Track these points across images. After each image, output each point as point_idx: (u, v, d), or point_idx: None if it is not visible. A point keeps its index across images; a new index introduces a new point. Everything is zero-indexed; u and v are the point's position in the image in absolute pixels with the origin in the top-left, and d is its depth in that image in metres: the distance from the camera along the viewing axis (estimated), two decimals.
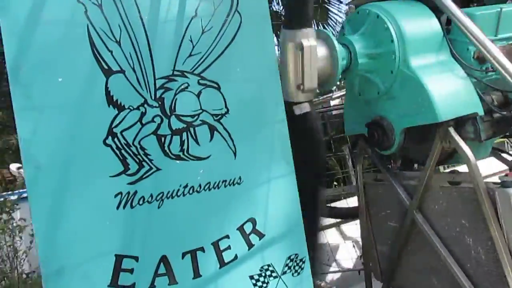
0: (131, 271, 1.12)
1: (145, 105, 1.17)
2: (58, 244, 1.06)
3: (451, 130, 1.59)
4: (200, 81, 1.24)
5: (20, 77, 1.04)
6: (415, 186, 1.79)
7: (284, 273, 1.32)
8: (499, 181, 1.52)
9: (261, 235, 1.29)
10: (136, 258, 1.13)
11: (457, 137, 1.59)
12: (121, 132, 1.13)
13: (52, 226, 1.05)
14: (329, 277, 2.97)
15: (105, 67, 1.13)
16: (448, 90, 1.60)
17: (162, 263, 1.16)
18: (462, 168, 1.73)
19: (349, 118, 2.04)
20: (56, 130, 1.07)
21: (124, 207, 1.12)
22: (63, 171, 1.07)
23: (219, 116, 1.25)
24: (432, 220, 1.76)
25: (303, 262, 1.36)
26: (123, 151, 1.13)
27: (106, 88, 1.13)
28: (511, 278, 1.48)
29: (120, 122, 1.13)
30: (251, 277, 1.28)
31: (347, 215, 2.69)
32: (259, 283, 1.28)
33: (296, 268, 1.35)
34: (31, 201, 1.03)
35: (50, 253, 1.05)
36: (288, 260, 1.33)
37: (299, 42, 1.55)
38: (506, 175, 1.62)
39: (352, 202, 3.05)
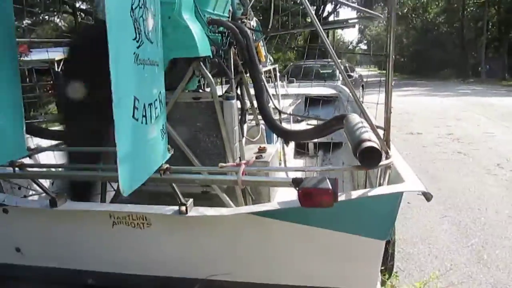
0: None
1: None
2: None
3: (201, 64, 2.56)
4: None
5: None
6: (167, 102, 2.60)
7: None
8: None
9: None
10: None
11: (203, 69, 2.57)
12: None
13: None
14: None
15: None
16: (200, 37, 2.54)
17: None
18: None
19: None
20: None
21: None
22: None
23: None
24: (175, 125, 2.62)
25: None
26: None
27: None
28: (229, 152, 2.62)
29: None
30: None
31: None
32: None
33: None
34: None
35: None
36: None
37: None
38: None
39: None
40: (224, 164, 1.94)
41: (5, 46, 1.88)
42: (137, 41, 1.45)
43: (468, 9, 34.66)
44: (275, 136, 4.06)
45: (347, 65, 12.94)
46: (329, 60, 11.27)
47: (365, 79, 15.40)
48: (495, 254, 3.60)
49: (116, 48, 1.24)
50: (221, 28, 2.89)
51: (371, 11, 2.75)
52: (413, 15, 40.51)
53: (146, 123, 1.53)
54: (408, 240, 3.92)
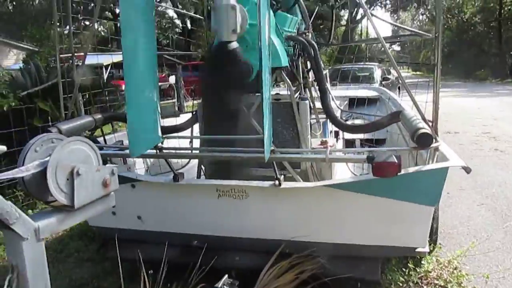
0: None
1: None
2: None
3: (283, 72, 3.22)
4: None
5: None
6: (252, 103, 3.27)
7: None
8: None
9: None
10: None
11: (284, 76, 3.23)
12: None
13: None
14: None
15: None
16: (281, 51, 3.20)
17: None
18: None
19: None
20: None
21: None
22: None
23: None
24: (260, 120, 3.28)
25: None
26: None
27: None
28: (303, 143, 3.27)
29: None
30: None
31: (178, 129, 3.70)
32: None
33: None
34: None
35: None
36: None
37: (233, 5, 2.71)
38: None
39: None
40: (315, 146, 2.60)
41: (149, 55, 2.51)
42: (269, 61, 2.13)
43: (506, 8, 34.19)
44: (328, 132, 4.69)
45: (384, 68, 13.39)
46: (367, 63, 11.81)
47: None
48: None
49: (265, 72, 1.92)
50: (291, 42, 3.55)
51: (419, 31, 3.33)
52: (448, 16, 40.13)
53: (271, 114, 2.22)
54: (449, 224, 4.46)
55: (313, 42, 3.59)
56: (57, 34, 3.12)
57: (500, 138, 8.71)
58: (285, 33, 3.40)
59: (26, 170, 1.14)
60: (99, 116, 3.32)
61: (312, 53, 3.48)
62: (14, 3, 24.62)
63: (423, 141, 2.33)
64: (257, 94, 3.38)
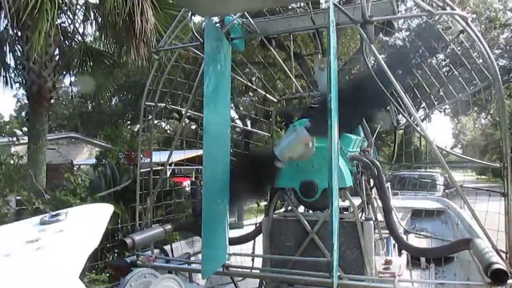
0: None
1: None
2: None
3: (347, 192, 3.28)
4: None
5: None
6: (316, 220, 3.31)
7: None
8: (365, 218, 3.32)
9: None
10: None
11: (348, 196, 3.29)
12: None
13: None
14: None
15: None
16: (346, 171, 3.30)
17: None
18: None
19: (284, 177, 3.37)
20: None
21: None
22: None
23: None
24: (324, 238, 3.30)
25: None
26: None
27: None
28: (368, 264, 3.21)
29: None
30: None
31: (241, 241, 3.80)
32: None
33: None
34: None
35: None
36: None
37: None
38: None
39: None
40: (382, 275, 2.56)
41: (225, 174, 2.68)
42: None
43: None
44: (391, 248, 4.56)
45: (446, 175, 13.05)
46: (429, 170, 11.61)
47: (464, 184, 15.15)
48: None
49: (335, 195, 2.03)
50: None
51: (487, 162, 3.34)
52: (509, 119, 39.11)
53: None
54: None
55: (376, 162, 3.68)
56: (140, 151, 3.44)
57: None
58: (349, 154, 3.52)
59: None
60: (169, 227, 3.49)
61: (376, 172, 3.55)
62: (93, 103, 27.19)
63: (498, 277, 2.25)
64: (321, 212, 3.47)
